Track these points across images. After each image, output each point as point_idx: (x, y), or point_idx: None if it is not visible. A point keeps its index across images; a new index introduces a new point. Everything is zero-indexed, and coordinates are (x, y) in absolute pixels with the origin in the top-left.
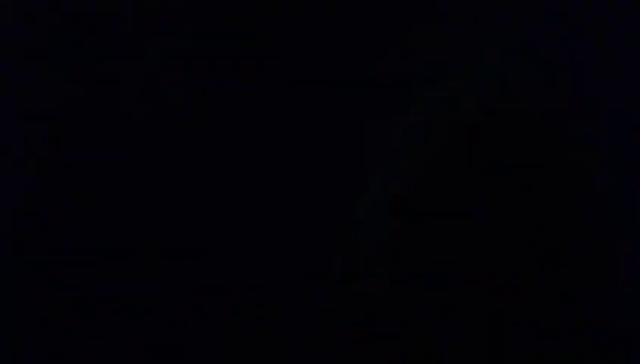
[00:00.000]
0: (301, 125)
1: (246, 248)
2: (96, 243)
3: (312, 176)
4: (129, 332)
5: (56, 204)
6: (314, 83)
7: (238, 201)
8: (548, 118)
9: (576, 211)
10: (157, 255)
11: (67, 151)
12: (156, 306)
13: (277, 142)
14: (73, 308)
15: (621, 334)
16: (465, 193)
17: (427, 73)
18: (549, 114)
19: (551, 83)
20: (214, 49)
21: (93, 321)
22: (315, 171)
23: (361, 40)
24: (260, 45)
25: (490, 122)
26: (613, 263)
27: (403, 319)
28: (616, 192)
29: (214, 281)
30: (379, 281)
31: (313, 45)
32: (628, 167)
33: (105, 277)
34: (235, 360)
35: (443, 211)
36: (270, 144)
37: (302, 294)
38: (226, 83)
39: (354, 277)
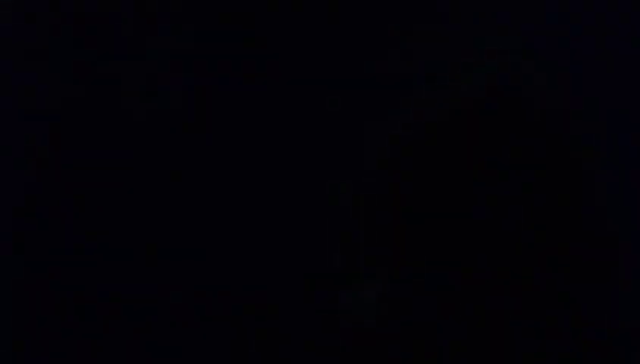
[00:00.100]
0: (301, 125)
1: (246, 248)
2: (96, 243)
3: (311, 176)
4: (129, 332)
5: (56, 204)
6: (314, 83)
7: (238, 201)
8: (548, 118)
9: (576, 212)
10: (157, 255)
11: (67, 151)
12: (156, 306)
13: (277, 142)
14: (73, 308)
15: (621, 334)
16: (464, 193)
17: (427, 73)
18: (549, 114)
19: (551, 83)
20: (214, 49)
21: (93, 321)
22: (315, 171)
23: (361, 40)
24: (260, 45)
25: (490, 122)
26: (613, 263)
27: (402, 319)
28: (616, 193)
29: (214, 281)
30: (379, 281)
31: (313, 45)
32: (628, 167)
33: (105, 277)
34: (235, 360)
35: (443, 212)
36: (270, 144)
37: (302, 294)
38: (226, 83)
39: (354, 277)
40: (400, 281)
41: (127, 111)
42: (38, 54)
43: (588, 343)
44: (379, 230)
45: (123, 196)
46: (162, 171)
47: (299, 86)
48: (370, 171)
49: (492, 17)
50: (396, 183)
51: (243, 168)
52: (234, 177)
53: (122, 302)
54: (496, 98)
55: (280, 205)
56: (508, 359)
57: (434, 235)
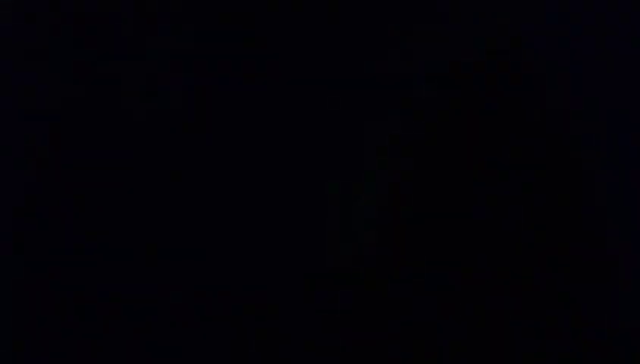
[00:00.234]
0: (301, 125)
1: (246, 248)
2: (96, 243)
3: (311, 176)
4: (129, 332)
5: (56, 204)
6: (314, 83)
7: (238, 201)
8: (548, 118)
9: (576, 212)
10: (157, 255)
11: (67, 151)
12: (156, 306)
13: (277, 142)
14: (73, 308)
15: (621, 334)
16: (464, 193)
17: (427, 73)
18: (549, 114)
19: (551, 83)
20: (214, 49)
21: (93, 321)
22: (315, 171)
23: (361, 40)
24: (260, 45)
25: (489, 122)
26: (613, 263)
27: (402, 319)
28: (616, 193)
29: (214, 281)
30: (379, 281)
31: (313, 45)
32: (628, 167)
33: (105, 277)
34: (235, 360)
35: (443, 212)
36: (270, 144)
37: (302, 294)
38: (226, 83)
39: (354, 277)
40: (400, 281)
41: (127, 111)
42: (38, 54)
43: (588, 343)
44: (378, 230)
45: (123, 196)
46: (162, 171)
47: (299, 85)
48: (370, 171)
49: (492, 17)
50: (396, 183)
51: (244, 168)
52: (235, 177)
53: (122, 302)
54: (495, 98)
55: (280, 204)
56: (508, 358)
57: (434, 235)
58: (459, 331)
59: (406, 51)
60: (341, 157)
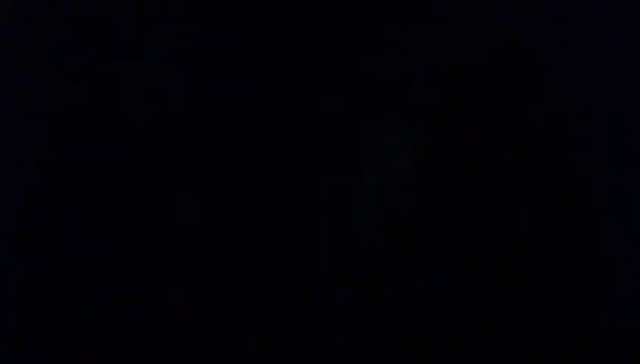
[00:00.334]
0: (301, 125)
1: (246, 248)
2: (96, 243)
3: (311, 176)
4: (129, 332)
5: (56, 204)
6: (314, 83)
7: (238, 201)
8: (548, 118)
9: (576, 212)
10: (157, 255)
11: (67, 151)
12: (156, 306)
13: (276, 142)
14: (73, 308)
15: (621, 334)
16: (464, 193)
17: (427, 73)
18: (549, 114)
19: (551, 83)
20: (214, 49)
21: (93, 321)
22: (315, 171)
23: (361, 40)
24: (260, 45)
25: (489, 122)
26: (613, 263)
27: (402, 319)
28: (616, 192)
29: (214, 281)
30: (379, 281)
31: (313, 45)
32: (628, 167)
33: (105, 277)
34: (235, 360)
35: (443, 211)
36: (270, 144)
37: (302, 294)
38: (226, 83)
39: (354, 277)
40: (400, 281)
41: (127, 111)
42: (38, 54)
43: (588, 343)
44: (378, 230)
45: (123, 196)
46: (162, 171)
47: (299, 85)
48: (370, 170)
49: (492, 17)
50: (396, 183)
51: (243, 168)
52: (234, 177)
53: (122, 302)
54: (495, 98)
55: (280, 204)
56: (508, 358)
57: (434, 235)
58: (459, 331)
59: (406, 51)
60: (341, 157)
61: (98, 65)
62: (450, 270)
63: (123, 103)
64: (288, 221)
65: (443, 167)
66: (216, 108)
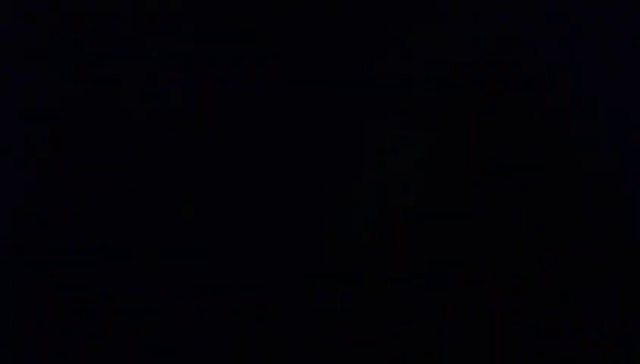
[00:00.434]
0: (301, 125)
1: (246, 248)
2: (96, 243)
3: (311, 176)
4: (129, 332)
5: (56, 204)
6: (314, 83)
7: (238, 201)
8: (548, 118)
9: (576, 212)
10: (157, 255)
11: (67, 151)
12: (156, 306)
13: (276, 142)
14: (73, 308)
15: (621, 334)
16: (464, 193)
17: (427, 73)
18: (549, 114)
19: (551, 83)
20: (214, 49)
21: (93, 321)
22: (315, 171)
23: (361, 40)
24: (260, 45)
25: (489, 122)
26: (613, 263)
27: (402, 319)
28: (616, 192)
29: (213, 281)
30: (379, 281)
31: (313, 45)
32: (628, 167)
33: (105, 277)
34: (235, 360)
35: (443, 211)
36: (270, 144)
37: (302, 294)
38: (226, 83)
39: (354, 277)
40: (400, 281)
41: (127, 111)
42: (38, 54)
43: (588, 343)
44: (378, 230)
45: (123, 196)
46: (162, 171)
47: (299, 86)
48: (370, 170)
49: (492, 17)
50: (396, 182)
51: (243, 168)
52: (234, 177)
53: (122, 301)
54: (495, 98)
55: (280, 204)
56: (508, 358)
57: (434, 235)
58: (459, 331)
59: (406, 51)
60: (341, 157)
61: (98, 65)
62: (450, 270)
63: (123, 103)
64: (288, 221)
65: (443, 167)
66: (216, 108)
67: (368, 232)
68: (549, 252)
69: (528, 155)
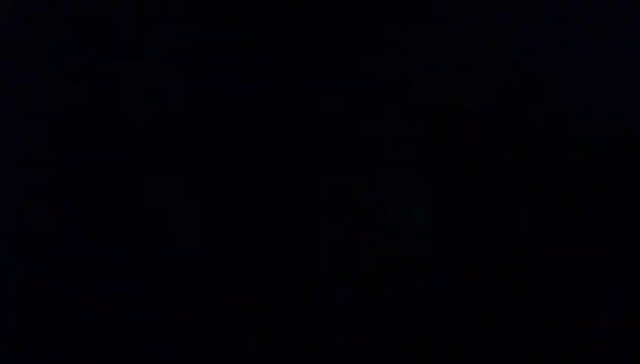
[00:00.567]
0: (301, 125)
1: (246, 248)
2: (96, 243)
3: (311, 176)
4: (129, 332)
5: (56, 204)
6: (314, 83)
7: (238, 201)
8: (548, 118)
9: (576, 211)
10: (157, 255)
11: (67, 151)
12: (156, 306)
13: (277, 142)
14: (73, 308)
15: (621, 334)
16: (464, 193)
17: (427, 73)
18: (549, 114)
19: (551, 83)
20: (214, 49)
21: (93, 321)
22: (315, 171)
23: (361, 40)
24: (260, 45)
25: (490, 122)
26: (613, 263)
27: (403, 319)
28: (615, 192)
29: (214, 281)
30: (379, 281)
31: (313, 45)
32: (628, 167)
33: (105, 277)
34: (235, 360)
35: (443, 211)
36: (270, 144)
37: (302, 294)
38: (226, 83)
39: (354, 277)
40: (400, 281)
41: (127, 111)
42: (38, 54)
43: (588, 343)
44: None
45: (123, 196)
46: (162, 171)
47: (299, 86)
48: (370, 170)
49: (492, 17)
50: (396, 182)
51: (243, 168)
52: (234, 177)
53: (122, 301)
54: (495, 98)
55: (281, 204)
56: (508, 358)
57: (434, 234)
58: (459, 331)
59: (406, 51)
60: (341, 156)
61: (98, 65)
62: (450, 270)
63: (123, 103)
64: (287, 221)
65: (444, 167)
66: (216, 108)
67: (368, 232)
68: (549, 252)
69: (528, 155)
